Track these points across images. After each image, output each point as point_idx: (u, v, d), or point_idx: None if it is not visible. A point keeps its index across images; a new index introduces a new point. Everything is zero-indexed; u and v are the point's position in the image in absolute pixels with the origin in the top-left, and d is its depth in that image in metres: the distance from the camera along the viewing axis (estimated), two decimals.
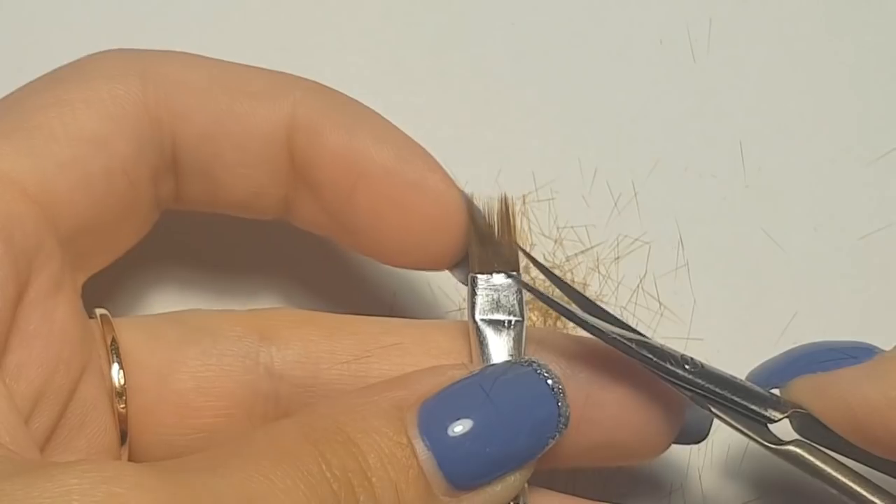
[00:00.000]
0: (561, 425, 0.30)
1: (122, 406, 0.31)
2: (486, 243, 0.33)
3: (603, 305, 0.33)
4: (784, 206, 0.41)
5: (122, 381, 0.31)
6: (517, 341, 0.32)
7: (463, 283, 0.33)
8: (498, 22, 0.42)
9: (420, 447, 0.28)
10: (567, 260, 0.39)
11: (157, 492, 0.23)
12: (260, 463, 0.26)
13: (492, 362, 0.31)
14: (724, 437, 0.38)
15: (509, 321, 0.32)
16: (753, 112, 0.41)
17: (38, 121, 0.30)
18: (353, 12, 0.42)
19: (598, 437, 0.32)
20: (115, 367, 0.31)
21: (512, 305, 0.32)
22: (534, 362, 0.30)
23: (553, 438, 0.30)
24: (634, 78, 0.42)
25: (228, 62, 0.33)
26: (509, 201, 0.33)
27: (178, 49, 0.33)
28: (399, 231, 0.32)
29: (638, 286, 0.39)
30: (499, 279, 0.32)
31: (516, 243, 0.33)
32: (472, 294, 0.32)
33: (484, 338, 0.32)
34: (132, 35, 0.40)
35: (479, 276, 0.32)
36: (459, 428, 0.29)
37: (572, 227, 0.40)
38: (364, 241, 0.33)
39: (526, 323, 0.32)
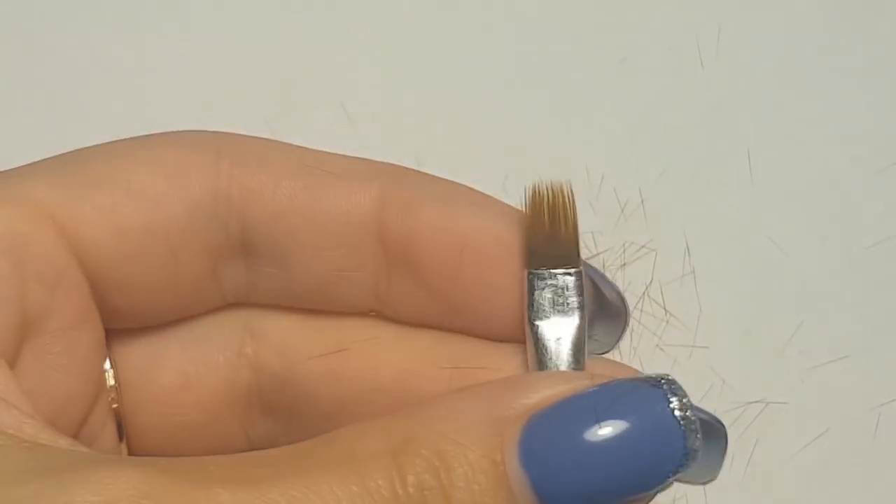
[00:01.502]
0: (684, 461, 0.26)
1: (115, 404, 0.31)
2: (543, 236, 0.30)
3: None
4: (791, 214, 0.41)
5: (114, 381, 0.31)
6: (577, 346, 0.29)
7: None
8: (506, 28, 0.42)
9: (515, 469, 0.25)
10: None
11: None
12: (322, 476, 0.24)
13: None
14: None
15: (568, 322, 0.29)
16: (761, 120, 0.41)
17: (89, 167, 0.29)
18: (362, 16, 0.42)
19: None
20: (107, 363, 0.31)
21: (571, 305, 0.30)
22: (664, 382, 0.26)
23: (672, 475, 0.26)
24: (642, 84, 0.42)
25: (312, 148, 0.31)
26: (566, 188, 0.30)
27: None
28: (512, 300, 0.30)
29: (644, 293, 0.39)
30: (559, 276, 0.30)
31: (576, 235, 0.30)
32: (530, 293, 0.29)
33: (540, 342, 0.29)
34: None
35: (535, 272, 0.29)
36: (563, 452, 0.25)
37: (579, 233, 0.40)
38: (471, 319, 0.30)
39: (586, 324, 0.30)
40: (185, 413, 0.31)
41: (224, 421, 0.31)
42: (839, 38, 0.42)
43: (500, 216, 0.30)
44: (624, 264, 0.40)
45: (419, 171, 0.31)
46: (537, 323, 0.29)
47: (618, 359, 0.39)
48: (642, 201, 0.40)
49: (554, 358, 0.29)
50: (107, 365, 0.31)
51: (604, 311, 0.30)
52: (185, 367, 0.31)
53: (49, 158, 0.30)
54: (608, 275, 0.30)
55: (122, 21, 0.43)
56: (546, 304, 0.29)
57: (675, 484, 0.37)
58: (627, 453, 0.25)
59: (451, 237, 0.29)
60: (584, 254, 0.31)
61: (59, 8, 0.42)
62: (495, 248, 0.29)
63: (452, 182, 0.31)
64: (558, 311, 0.29)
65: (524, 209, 0.30)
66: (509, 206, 0.31)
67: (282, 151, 0.30)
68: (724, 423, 0.38)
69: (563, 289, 0.29)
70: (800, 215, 0.41)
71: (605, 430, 0.25)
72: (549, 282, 0.29)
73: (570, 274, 0.30)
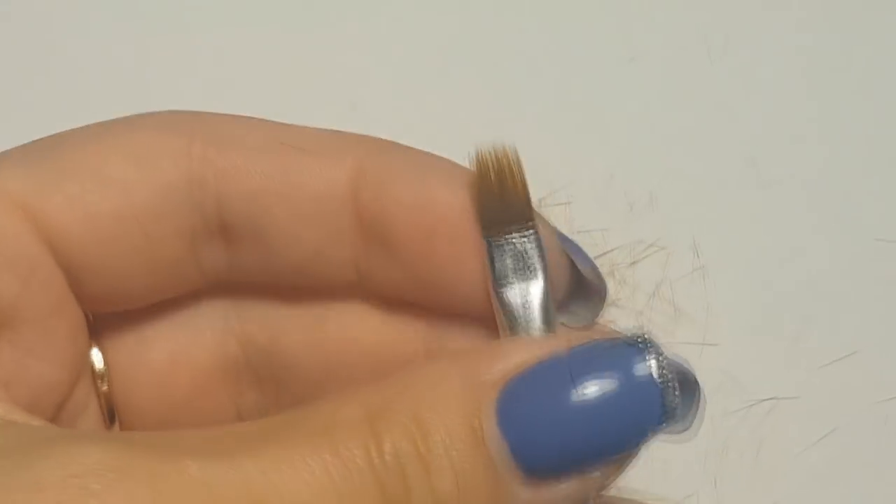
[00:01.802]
0: (663, 419, 0.26)
1: (105, 387, 0.30)
2: (494, 200, 0.29)
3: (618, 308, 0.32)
4: (799, 211, 0.41)
5: (103, 364, 0.30)
6: (545, 309, 0.28)
7: None
8: (516, 26, 0.42)
9: (493, 434, 0.25)
10: None
11: (139, 483, 0.23)
12: (296, 446, 0.24)
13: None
14: (738, 443, 0.38)
15: (532, 285, 0.29)
16: (770, 118, 0.41)
17: (60, 155, 0.29)
18: (371, 14, 0.42)
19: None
20: (94, 349, 0.30)
21: (532, 268, 0.29)
22: (640, 340, 0.26)
23: (652, 433, 0.26)
24: (652, 84, 0.42)
25: (286, 124, 0.31)
26: (511, 150, 0.29)
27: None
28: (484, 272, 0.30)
29: (654, 291, 0.39)
30: (516, 241, 0.29)
31: (526, 193, 0.29)
32: (490, 262, 0.29)
33: (508, 309, 0.29)
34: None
35: (493, 239, 0.29)
36: (541, 415, 0.25)
37: (588, 231, 0.40)
38: (447, 293, 0.30)
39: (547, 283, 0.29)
40: (176, 391, 0.31)
41: (214, 396, 0.31)
42: (846, 38, 0.42)
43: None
44: (633, 262, 0.40)
45: (395, 143, 0.31)
46: (502, 291, 0.29)
47: None
48: (651, 199, 0.40)
49: (524, 324, 0.28)
50: (95, 351, 0.30)
51: (581, 287, 0.30)
52: (173, 346, 0.31)
53: (18, 147, 0.29)
54: (596, 260, 0.30)
55: (128, 18, 0.43)
56: (508, 270, 0.29)
57: (686, 480, 0.38)
58: (605, 414, 0.25)
59: (423, 214, 0.29)
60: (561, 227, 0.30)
61: (63, 5, 0.42)
62: (467, 222, 0.29)
63: (428, 154, 0.30)
64: (521, 277, 0.29)
65: (476, 179, 0.29)
66: None
67: (256, 129, 0.30)
68: (733, 420, 0.38)
69: (522, 253, 0.29)
70: (809, 212, 0.41)
71: (582, 391, 0.25)
72: (507, 247, 0.29)
73: (526, 237, 0.29)
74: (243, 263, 0.30)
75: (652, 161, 0.41)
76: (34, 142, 0.30)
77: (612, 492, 0.37)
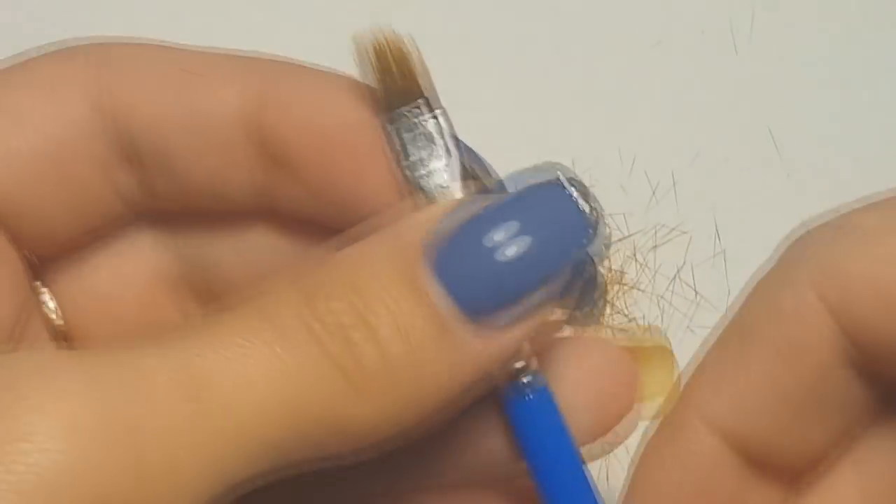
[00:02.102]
0: (588, 232, 0.26)
1: (60, 321, 0.30)
2: (390, 77, 0.28)
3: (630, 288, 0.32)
4: (822, 197, 0.41)
5: (53, 302, 0.30)
6: (462, 185, 0.28)
7: None
8: (540, 9, 0.42)
9: (431, 283, 0.25)
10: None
11: (87, 373, 0.22)
12: (231, 331, 0.24)
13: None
14: None
15: (441, 162, 0.28)
16: (794, 104, 0.41)
17: None
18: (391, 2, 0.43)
19: None
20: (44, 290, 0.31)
21: (439, 146, 0.28)
22: (556, 170, 0.26)
23: (579, 248, 0.26)
24: (676, 68, 0.42)
25: (191, 49, 0.30)
26: (393, 34, 0.29)
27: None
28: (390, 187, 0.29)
29: (675, 275, 0.40)
30: (420, 120, 0.28)
31: (423, 69, 0.29)
32: (393, 140, 0.28)
33: (424, 192, 0.28)
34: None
35: (392, 115, 0.28)
36: (475, 256, 0.25)
37: (611, 214, 0.40)
38: (354, 213, 0.29)
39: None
40: (125, 314, 0.31)
41: (160, 312, 0.31)
42: (871, 22, 0.42)
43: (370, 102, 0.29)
44: (655, 246, 0.40)
45: (294, 63, 0.30)
46: (411, 173, 0.28)
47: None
48: (674, 184, 0.41)
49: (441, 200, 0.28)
50: (43, 291, 0.31)
51: None
52: (114, 272, 0.31)
53: None
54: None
55: (124, 15, 0.43)
56: (414, 149, 0.28)
57: None
58: (531, 232, 0.25)
59: (320, 132, 0.28)
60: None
61: (63, 6, 0.42)
62: (367, 136, 0.28)
63: (327, 72, 0.30)
64: (427, 154, 0.28)
65: (366, 61, 0.28)
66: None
67: (157, 56, 0.30)
68: None
69: (424, 133, 0.28)
70: (830, 198, 0.41)
71: (508, 223, 0.25)
72: (411, 124, 0.28)
73: (422, 115, 0.29)
74: (156, 189, 0.30)
75: (675, 146, 0.41)
76: None
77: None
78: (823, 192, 0.41)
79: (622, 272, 0.40)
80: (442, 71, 0.42)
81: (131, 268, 0.31)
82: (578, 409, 0.28)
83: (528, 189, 0.26)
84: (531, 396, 0.27)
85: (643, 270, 0.40)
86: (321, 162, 0.29)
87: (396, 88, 0.28)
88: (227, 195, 0.30)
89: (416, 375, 0.24)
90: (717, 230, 0.40)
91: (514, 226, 0.25)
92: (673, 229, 0.40)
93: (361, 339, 0.24)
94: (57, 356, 0.23)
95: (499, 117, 0.41)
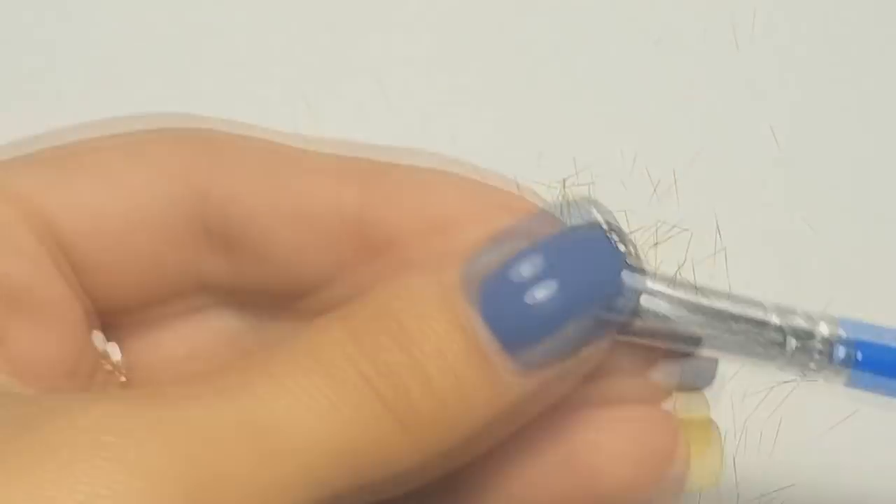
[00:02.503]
0: (619, 266, 0.28)
1: (123, 378, 0.31)
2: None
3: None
4: (823, 195, 0.41)
5: (117, 357, 0.31)
6: None
7: None
8: (539, 7, 0.42)
9: (480, 327, 0.25)
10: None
11: (143, 434, 0.22)
12: (287, 373, 0.24)
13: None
14: (758, 425, 0.38)
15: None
16: (796, 101, 0.41)
17: (73, 158, 0.30)
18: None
19: None
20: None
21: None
22: (603, 228, 0.28)
23: (612, 287, 0.27)
24: (677, 65, 0.42)
25: (290, 145, 0.31)
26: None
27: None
28: None
29: (676, 272, 0.39)
30: None
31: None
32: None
33: None
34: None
35: None
36: (511, 294, 0.26)
37: (612, 211, 0.40)
38: None
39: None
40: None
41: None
42: (874, 20, 0.42)
43: (484, 195, 0.29)
44: (656, 243, 0.40)
45: (394, 164, 0.30)
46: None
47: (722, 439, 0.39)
48: (675, 181, 0.40)
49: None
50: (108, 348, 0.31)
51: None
52: (185, 337, 0.31)
53: (34, 152, 0.30)
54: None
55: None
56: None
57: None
58: (569, 280, 0.26)
59: (423, 222, 0.29)
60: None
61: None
62: (473, 223, 0.29)
63: (420, 168, 0.30)
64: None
65: None
66: (505, 190, 0.30)
67: (260, 147, 0.30)
68: (753, 401, 0.38)
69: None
70: (831, 196, 0.41)
71: (558, 270, 0.26)
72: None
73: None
74: (243, 277, 0.30)
75: (676, 143, 0.41)
76: (47, 148, 0.30)
77: None
78: (825, 191, 0.41)
79: None
80: (444, 67, 0.42)
81: (202, 335, 0.31)
82: (625, 475, 0.28)
83: (569, 230, 0.28)
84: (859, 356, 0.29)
85: None
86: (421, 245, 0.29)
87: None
88: (316, 283, 0.30)
89: (464, 411, 0.25)
90: (718, 228, 0.40)
91: (551, 267, 0.26)
92: (674, 226, 0.40)
93: (410, 377, 0.25)
94: (127, 404, 0.23)
95: (499, 115, 0.41)
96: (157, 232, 0.30)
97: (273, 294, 0.30)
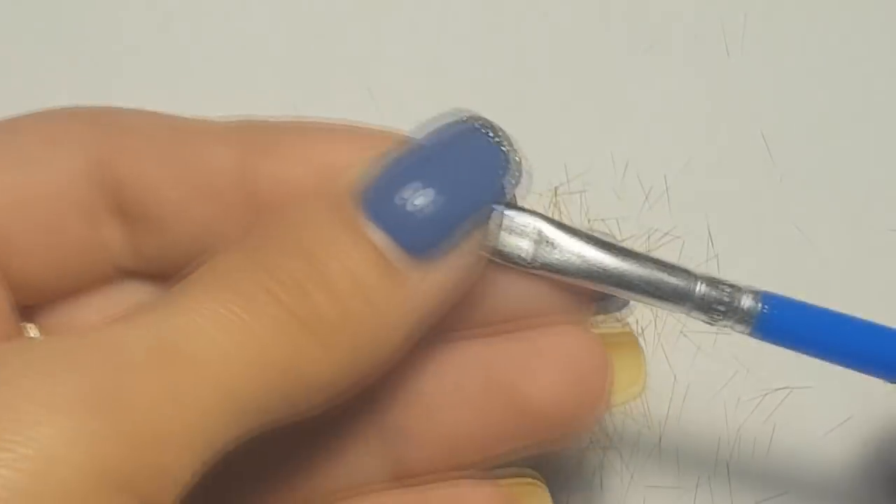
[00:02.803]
0: (511, 166, 0.29)
1: None
2: None
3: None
4: (815, 201, 0.41)
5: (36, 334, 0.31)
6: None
7: None
8: (531, 13, 0.42)
9: (371, 226, 0.27)
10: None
11: (66, 355, 0.24)
12: (194, 298, 0.25)
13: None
14: (752, 432, 0.38)
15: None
16: (787, 108, 0.41)
17: None
18: (387, 3, 0.42)
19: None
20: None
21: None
22: (474, 120, 0.29)
23: (503, 179, 0.28)
24: (668, 73, 0.42)
25: (186, 117, 0.32)
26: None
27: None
28: None
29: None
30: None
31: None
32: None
33: None
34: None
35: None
36: (405, 195, 0.27)
37: (603, 219, 0.40)
38: None
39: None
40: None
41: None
42: (865, 26, 0.42)
43: (367, 139, 0.30)
44: (648, 251, 0.40)
45: (277, 121, 0.31)
46: None
47: (644, 346, 0.39)
48: (667, 188, 0.40)
49: None
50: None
51: None
52: (103, 314, 0.31)
53: None
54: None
55: (149, 4, 0.43)
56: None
57: (698, 467, 0.38)
58: (457, 170, 0.28)
59: (315, 170, 0.30)
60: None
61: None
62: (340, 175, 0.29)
63: (308, 121, 0.31)
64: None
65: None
66: (373, 132, 0.31)
67: (154, 117, 0.31)
68: (746, 408, 0.38)
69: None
70: (823, 203, 0.41)
71: (438, 162, 0.28)
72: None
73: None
74: (145, 246, 0.31)
75: (667, 150, 0.41)
76: None
77: (625, 477, 0.38)
78: (816, 197, 0.41)
79: None
80: (434, 75, 0.42)
81: (117, 308, 0.31)
82: (554, 394, 0.29)
83: (444, 130, 0.28)
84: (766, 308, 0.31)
85: None
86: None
87: None
88: (218, 249, 0.30)
89: (372, 316, 0.26)
90: (710, 234, 0.40)
91: (433, 166, 0.27)
92: (666, 234, 0.40)
93: (316, 289, 0.26)
94: (36, 342, 0.25)
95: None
96: (67, 207, 0.30)
97: (181, 263, 0.30)
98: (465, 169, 0.28)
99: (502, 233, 0.30)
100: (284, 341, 0.25)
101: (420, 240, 0.27)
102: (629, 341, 0.32)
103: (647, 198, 0.40)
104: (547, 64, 0.42)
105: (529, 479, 0.32)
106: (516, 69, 0.42)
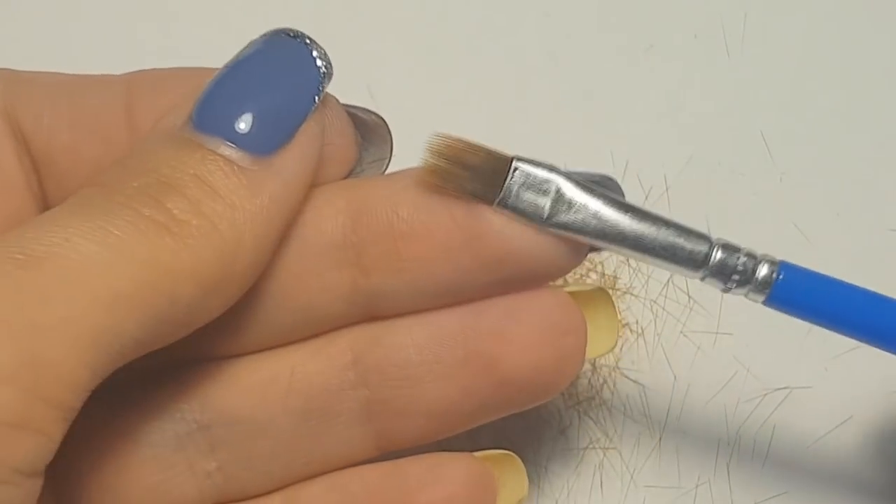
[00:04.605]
0: (317, 57, 0.31)
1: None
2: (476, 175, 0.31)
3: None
4: (815, 201, 0.41)
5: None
6: None
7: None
8: (532, 13, 0.42)
9: (209, 140, 0.29)
10: (597, 252, 0.40)
11: None
12: (68, 224, 0.27)
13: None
14: (752, 432, 0.38)
15: None
16: (786, 108, 0.41)
17: None
18: (387, 3, 0.42)
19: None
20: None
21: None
22: (278, 31, 0.31)
23: (313, 70, 0.30)
24: (668, 71, 0.42)
25: (93, 75, 0.34)
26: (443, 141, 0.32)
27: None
28: None
29: (668, 280, 0.39)
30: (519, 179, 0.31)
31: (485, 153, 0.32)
32: (522, 206, 0.30)
33: None
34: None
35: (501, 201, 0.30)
36: (231, 105, 0.29)
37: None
38: None
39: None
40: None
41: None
42: (864, 25, 0.42)
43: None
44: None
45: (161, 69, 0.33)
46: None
47: (643, 346, 0.39)
48: (667, 188, 0.40)
49: None
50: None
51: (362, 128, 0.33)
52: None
53: None
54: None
55: (150, 5, 0.43)
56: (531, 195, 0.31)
57: (699, 467, 0.38)
58: (270, 76, 0.30)
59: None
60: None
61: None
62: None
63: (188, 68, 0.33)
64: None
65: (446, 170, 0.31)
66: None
67: (54, 75, 0.33)
68: (746, 409, 0.38)
69: (540, 180, 0.31)
70: (823, 202, 0.41)
71: (257, 71, 0.30)
72: (521, 186, 0.31)
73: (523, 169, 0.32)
74: (48, 182, 0.32)
75: (667, 150, 0.41)
76: None
77: (626, 478, 0.38)
78: (816, 196, 0.41)
79: (615, 277, 0.39)
80: (434, 75, 0.42)
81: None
82: (532, 351, 0.30)
83: (253, 44, 0.30)
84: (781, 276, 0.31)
85: (636, 275, 0.40)
86: None
87: (487, 172, 0.31)
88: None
89: (230, 210, 0.28)
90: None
91: (249, 74, 0.30)
92: None
93: (169, 198, 0.28)
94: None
95: (490, 122, 0.41)
96: None
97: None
98: (277, 68, 0.30)
99: (521, 189, 0.30)
100: (144, 240, 0.27)
101: (255, 140, 0.29)
102: (602, 297, 0.33)
103: (647, 197, 0.40)
104: (547, 64, 0.42)
105: (505, 451, 0.33)
106: (516, 68, 0.42)
